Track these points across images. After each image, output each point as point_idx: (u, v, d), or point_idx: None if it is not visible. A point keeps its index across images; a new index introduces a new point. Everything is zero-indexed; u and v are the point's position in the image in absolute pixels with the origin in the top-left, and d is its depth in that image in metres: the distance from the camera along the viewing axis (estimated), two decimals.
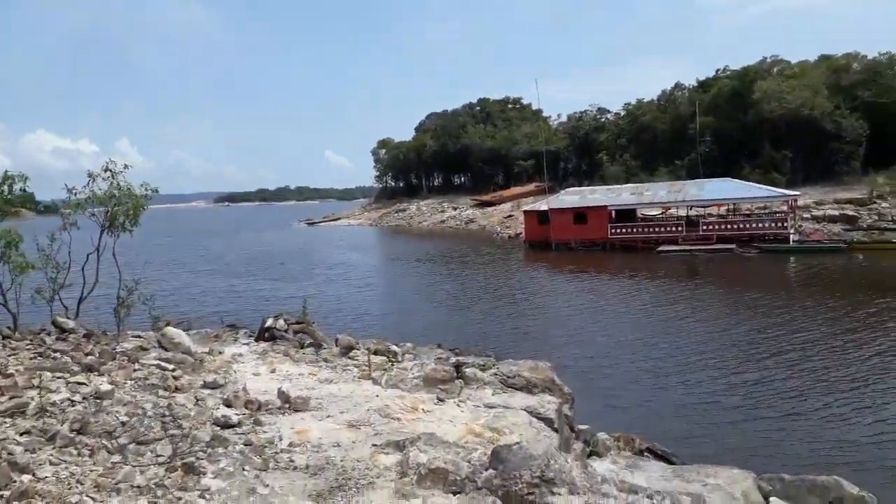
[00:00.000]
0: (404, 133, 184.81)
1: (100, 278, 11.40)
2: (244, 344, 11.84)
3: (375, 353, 16.04)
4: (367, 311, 26.86)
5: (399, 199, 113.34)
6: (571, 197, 53.18)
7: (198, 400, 6.95)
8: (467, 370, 8.65)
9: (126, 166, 11.21)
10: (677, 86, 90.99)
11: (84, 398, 6.30)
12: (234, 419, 6.26)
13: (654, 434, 11.07)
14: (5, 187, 9.97)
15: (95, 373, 7.45)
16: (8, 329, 9.39)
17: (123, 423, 5.58)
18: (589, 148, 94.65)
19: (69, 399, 6.20)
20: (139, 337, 9.49)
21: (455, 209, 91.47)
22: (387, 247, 65.34)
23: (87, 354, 8.17)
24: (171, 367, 8.31)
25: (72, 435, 5.33)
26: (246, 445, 5.70)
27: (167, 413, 6.26)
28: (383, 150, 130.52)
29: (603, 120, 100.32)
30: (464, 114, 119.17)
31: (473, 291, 31.61)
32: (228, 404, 6.92)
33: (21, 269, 9.81)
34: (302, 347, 12.69)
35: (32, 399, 6.06)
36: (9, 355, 7.82)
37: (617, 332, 21.24)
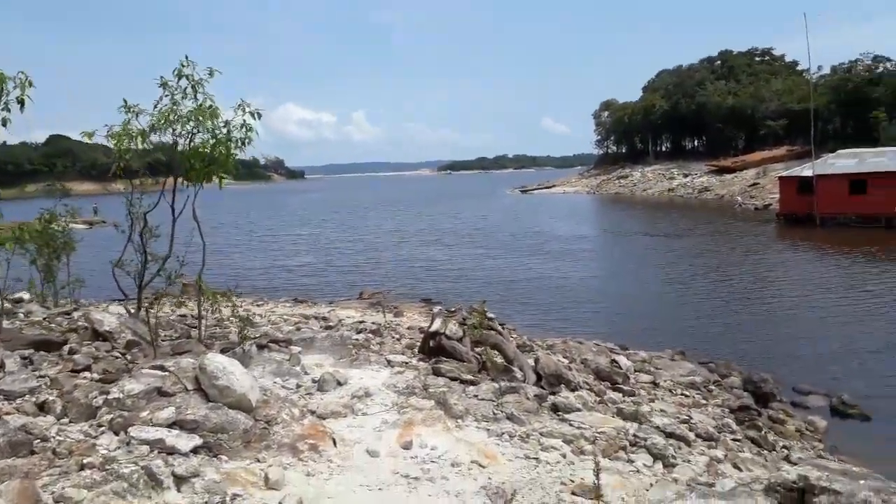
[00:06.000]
0: (630, 94, 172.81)
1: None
2: (387, 366, 7.44)
3: (597, 374, 11.02)
4: (582, 297, 21.64)
5: (621, 165, 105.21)
6: (846, 161, 42.83)
7: None
8: None
9: (211, 72, 7.24)
10: None
11: None
12: None
13: None
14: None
15: None
16: None
17: None
18: (859, 105, 78.15)
19: None
20: (160, 370, 5.34)
21: (686, 176, 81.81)
22: (606, 217, 58.83)
23: (41, 407, 4.21)
24: (183, 452, 4.02)
25: None
26: None
27: None
28: (606, 113, 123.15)
29: (880, 70, 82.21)
30: (701, 69, 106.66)
31: (714, 277, 24.73)
32: None
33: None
34: (482, 369, 8.09)
35: None
36: None
37: None
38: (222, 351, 7.23)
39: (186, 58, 7.25)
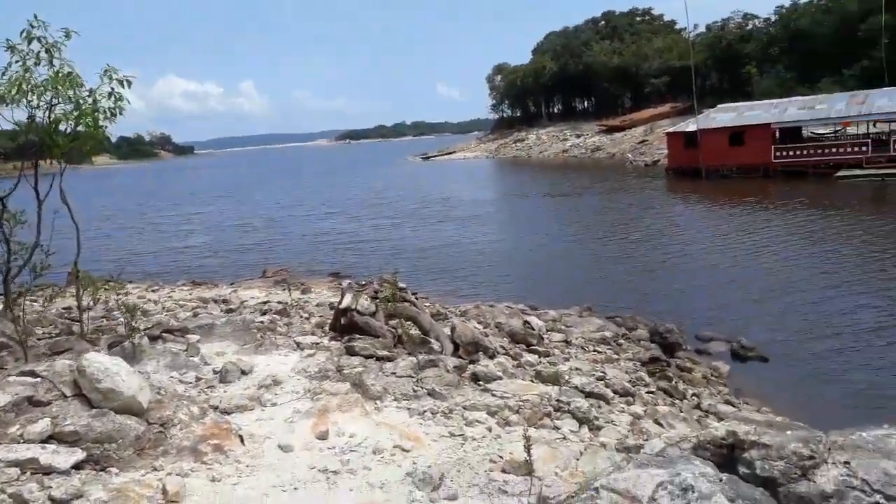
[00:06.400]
0: (521, 57, 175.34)
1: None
2: (296, 349, 6.98)
3: (511, 337, 11.00)
4: (490, 261, 21.69)
5: (517, 129, 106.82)
6: (726, 115, 45.09)
7: None
8: None
9: (68, 33, 6.36)
10: None
11: None
12: None
13: None
14: None
15: None
16: None
17: None
18: (733, 61, 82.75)
19: None
20: (32, 376, 4.67)
21: (578, 136, 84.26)
22: (507, 181, 59.57)
23: None
24: (62, 470, 3.48)
25: None
26: None
27: None
28: (499, 77, 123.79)
29: (750, 28, 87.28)
30: (586, 30, 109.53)
31: (614, 234, 25.47)
32: None
33: None
34: (398, 343, 7.78)
35: None
36: None
37: (816, 292, 14.91)
38: (110, 346, 6.53)
39: (36, 17, 6.30)
